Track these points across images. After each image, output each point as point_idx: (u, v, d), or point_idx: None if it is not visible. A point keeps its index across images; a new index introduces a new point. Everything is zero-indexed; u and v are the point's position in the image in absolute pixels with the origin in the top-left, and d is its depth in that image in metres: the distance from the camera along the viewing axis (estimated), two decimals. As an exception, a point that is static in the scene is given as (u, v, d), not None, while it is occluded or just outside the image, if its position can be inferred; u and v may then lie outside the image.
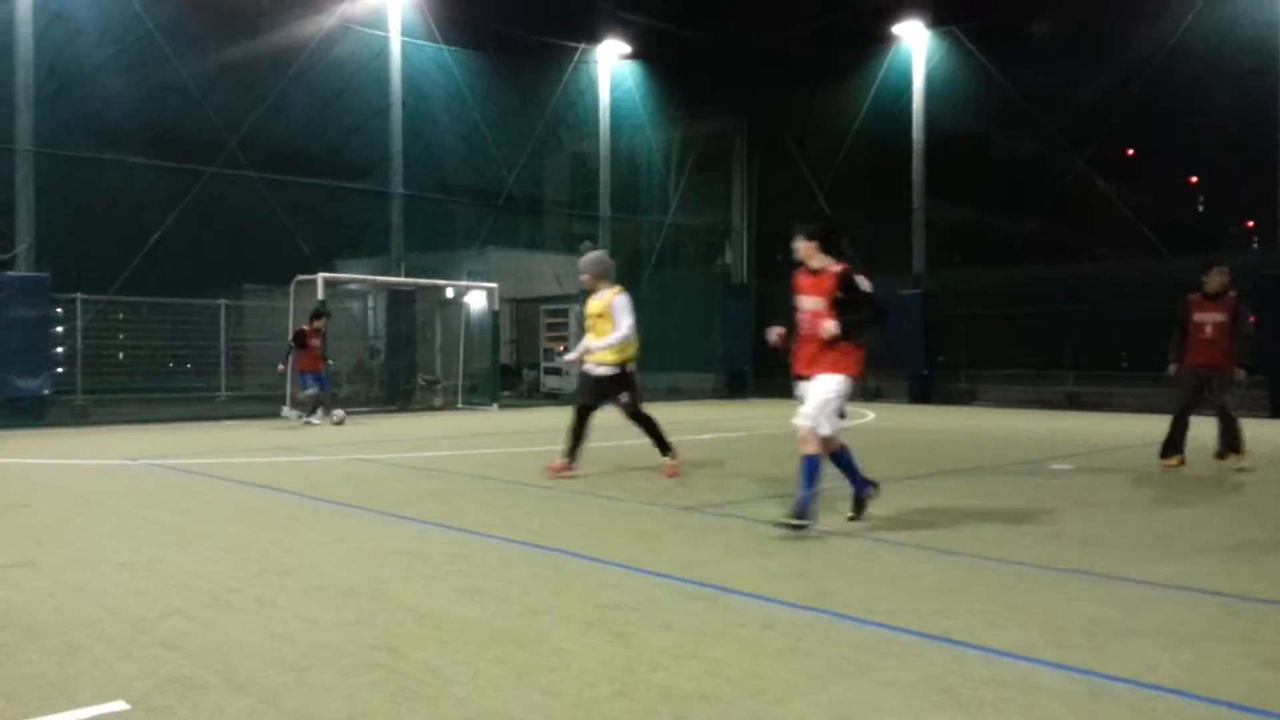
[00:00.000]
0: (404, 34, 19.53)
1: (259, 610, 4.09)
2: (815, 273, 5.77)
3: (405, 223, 19.66)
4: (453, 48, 20.22)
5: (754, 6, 22.35)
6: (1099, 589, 4.53)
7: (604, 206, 23.49)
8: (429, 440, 12.15)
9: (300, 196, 18.45)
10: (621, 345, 8.04)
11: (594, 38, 22.79)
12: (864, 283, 5.67)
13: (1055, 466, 9.42)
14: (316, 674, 3.29)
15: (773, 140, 25.02)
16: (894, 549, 5.43)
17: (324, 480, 8.29)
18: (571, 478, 8.14)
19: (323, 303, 15.82)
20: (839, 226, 5.88)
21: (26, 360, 14.01)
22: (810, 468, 5.63)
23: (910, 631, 3.81)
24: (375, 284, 19.43)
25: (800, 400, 5.78)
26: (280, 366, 14.46)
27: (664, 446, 8.29)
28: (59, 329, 14.96)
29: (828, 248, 5.76)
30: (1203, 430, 9.31)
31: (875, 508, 6.86)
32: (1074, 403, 18.96)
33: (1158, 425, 14.53)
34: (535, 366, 23.28)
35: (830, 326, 5.54)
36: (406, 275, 19.26)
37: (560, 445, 8.44)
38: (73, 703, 3.01)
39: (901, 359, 21.31)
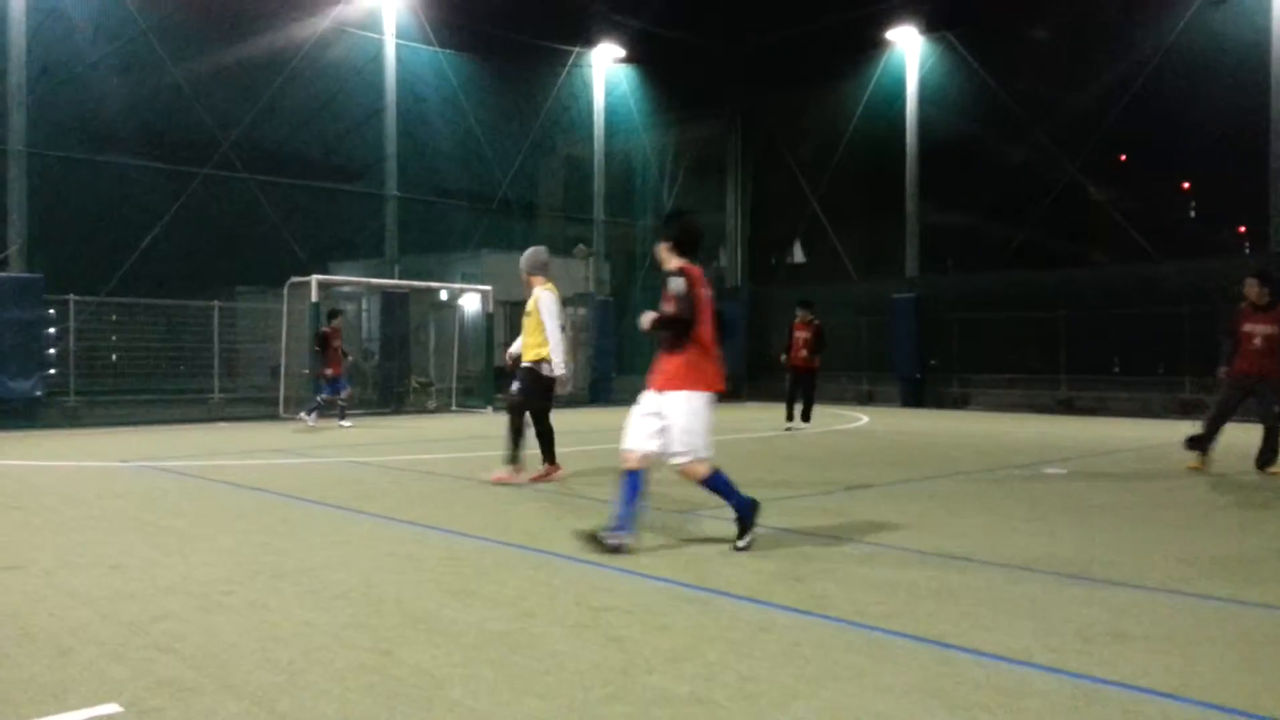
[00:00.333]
0: (399, 37, 19.53)
1: (252, 613, 4.09)
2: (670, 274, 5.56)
3: (399, 225, 19.66)
4: (447, 51, 20.23)
5: (748, 11, 22.41)
6: (1091, 592, 4.54)
7: (598, 210, 23.52)
8: (423, 443, 12.14)
9: (294, 198, 18.43)
10: (541, 343, 7.98)
11: (589, 41, 22.82)
12: (676, 284, 5.29)
13: (1049, 470, 9.45)
14: (309, 677, 3.28)
15: (767, 144, 25.07)
16: (888, 552, 5.44)
17: (318, 483, 8.27)
18: (550, 480, 8.17)
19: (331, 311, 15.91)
20: (690, 226, 5.59)
21: (18, 361, 13.97)
22: (631, 484, 5.29)
23: (904, 635, 3.82)
24: (369, 286, 19.42)
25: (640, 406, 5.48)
26: (329, 370, 14.47)
27: (513, 455, 8.07)
28: (51, 330, 14.91)
29: (682, 249, 5.45)
30: (1227, 439, 9.41)
31: (871, 512, 6.88)
32: (1067, 407, 19.01)
33: (1151, 429, 14.64)
34: (529, 369, 23.24)
35: (644, 320, 5.41)
36: (400, 278, 19.25)
37: (528, 452, 8.37)
38: (64, 706, 3.01)
39: (895, 363, 21.37)
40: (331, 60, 18.84)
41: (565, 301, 23.93)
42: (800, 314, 14.58)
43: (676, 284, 5.24)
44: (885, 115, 22.30)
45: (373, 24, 19.29)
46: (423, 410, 18.60)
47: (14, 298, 13.98)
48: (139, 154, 16.46)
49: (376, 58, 19.35)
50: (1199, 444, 9.31)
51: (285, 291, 16.88)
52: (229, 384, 18.13)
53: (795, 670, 3.40)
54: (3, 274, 14.50)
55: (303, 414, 14.73)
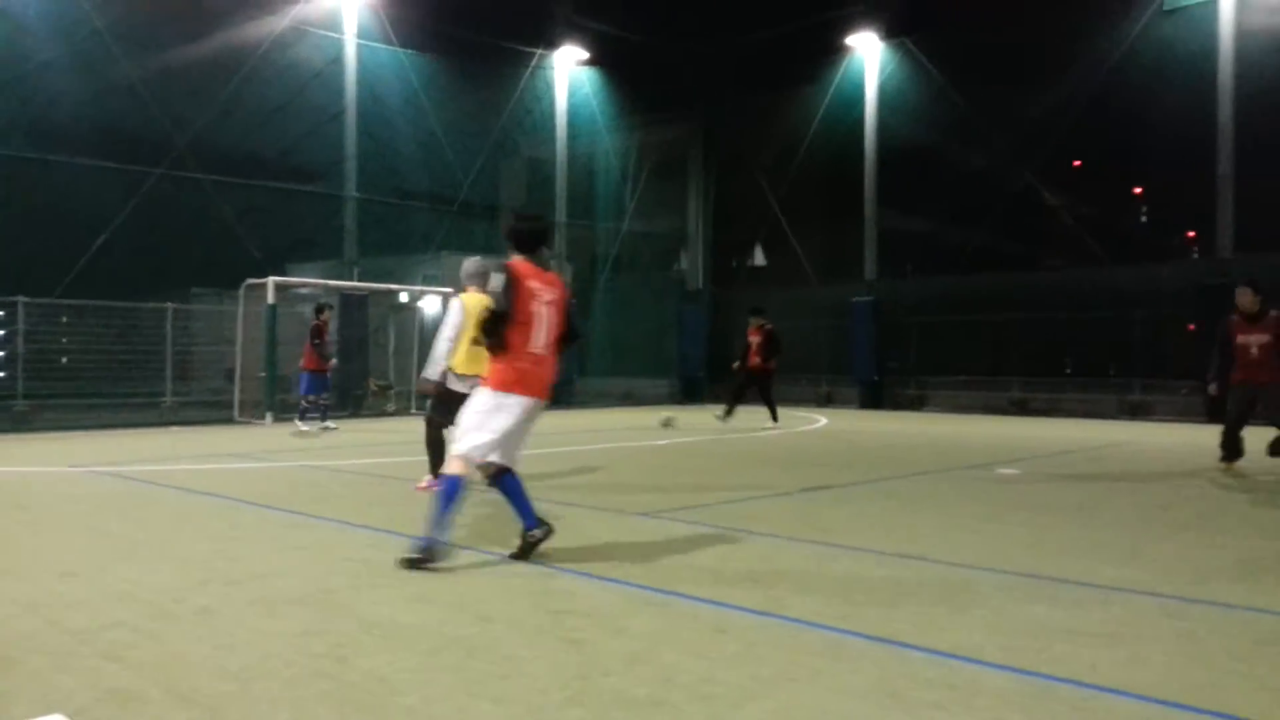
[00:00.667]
0: (359, 36, 19.35)
1: (203, 621, 4.02)
2: None
3: (359, 226, 19.47)
4: (409, 51, 20.08)
5: (710, 15, 22.50)
6: (1044, 591, 4.62)
7: (560, 212, 23.47)
8: (381, 446, 12.03)
9: (251, 199, 18.18)
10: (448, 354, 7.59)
11: (551, 43, 22.78)
12: (496, 280, 5.10)
13: (1002, 471, 9.59)
14: (261, 685, 3.24)
15: (729, 148, 25.20)
16: (846, 553, 5.49)
17: (272, 488, 8.17)
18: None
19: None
20: (521, 223, 5.21)
21: (-36, 365, 13.63)
22: (446, 489, 5.00)
23: (860, 635, 3.85)
24: (327, 288, 19.19)
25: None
26: (332, 362, 14.18)
27: (435, 466, 7.89)
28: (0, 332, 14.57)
29: (518, 245, 5.17)
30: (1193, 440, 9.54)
31: (829, 512, 6.93)
32: (1021, 408, 19.31)
33: (1102, 430, 14.92)
34: (490, 372, 23.14)
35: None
36: (359, 279, 19.06)
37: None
38: (9, 717, 2.94)
39: (853, 365, 21.58)
40: (291, 60, 18.61)
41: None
42: (752, 320, 14.85)
43: (496, 279, 5.06)
44: (845, 120, 22.51)
45: (333, 23, 19.10)
46: (381, 413, 18.43)
47: (-40, 300, 13.64)
48: (92, 154, 16.13)
49: (337, 57, 19.16)
50: (1231, 457, 9.36)
51: (241, 293, 16.65)
52: (183, 387, 17.82)
53: (752, 671, 3.41)
54: (-51, 276, 14.16)
55: (310, 424, 14.14)
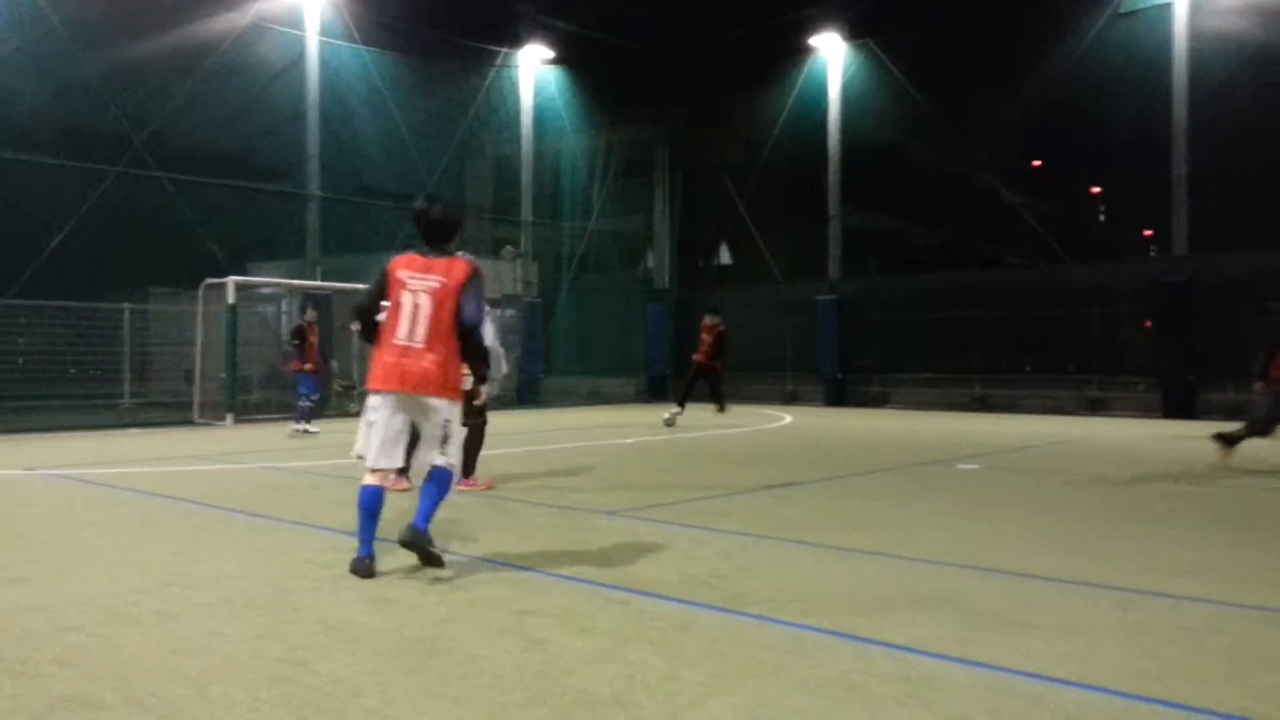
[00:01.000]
0: (322, 34, 19.15)
1: (161, 625, 3.97)
2: None
3: (322, 225, 19.28)
4: (372, 49, 19.91)
5: (675, 15, 22.54)
6: (1001, 584, 4.69)
7: (526, 211, 23.41)
8: (344, 447, 11.90)
9: (211, 198, 17.93)
10: None
11: (516, 42, 22.70)
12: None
13: (963, 467, 9.71)
14: (219, 689, 3.21)
15: (695, 147, 25.27)
16: (809, 549, 5.53)
17: (232, 490, 8.07)
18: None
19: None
20: (420, 212, 4.96)
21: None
22: (359, 501, 4.85)
23: (821, 630, 3.89)
24: (289, 288, 18.99)
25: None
26: (307, 365, 13.83)
27: (469, 467, 7.91)
28: (-48, 334, 14.27)
29: (423, 237, 4.98)
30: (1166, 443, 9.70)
31: (793, 509, 6.98)
32: (982, 405, 19.57)
33: (1061, 426, 15.15)
34: (457, 371, 23.03)
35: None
36: (323, 279, 18.87)
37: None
38: (-43, 725, 2.89)
39: (818, 363, 21.74)
40: (252, 57, 18.38)
41: (493, 303, 23.80)
42: (708, 318, 15.07)
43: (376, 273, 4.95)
44: (809, 120, 22.67)
45: (294, 21, 18.88)
46: (345, 414, 18.26)
47: (-90, 300, 13.34)
48: (47, 152, 15.83)
49: (298, 55, 18.94)
50: (1230, 442, 9.39)
51: (201, 293, 16.42)
52: (141, 389, 17.56)
53: (714, 668, 3.43)
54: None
55: (299, 425, 13.85)
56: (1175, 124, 17.60)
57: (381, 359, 4.78)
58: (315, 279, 18.76)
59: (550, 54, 23.14)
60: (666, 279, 25.81)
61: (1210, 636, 3.82)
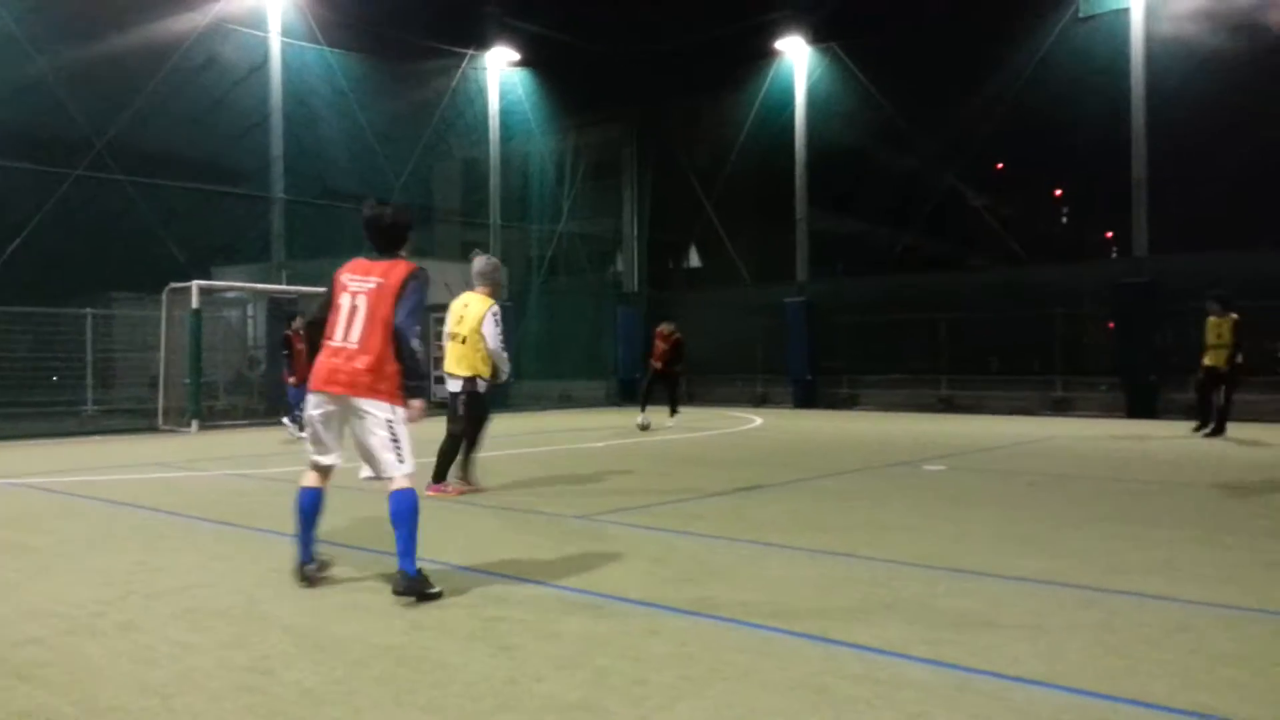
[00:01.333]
0: (284, 35, 18.95)
1: (124, 635, 3.91)
2: None
3: (287, 229, 19.08)
4: (336, 50, 19.75)
5: (641, 18, 22.56)
6: (967, 584, 4.73)
7: (494, 214, 23.32)
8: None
9: (174, 201, 17.68)
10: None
11: (482, 44, 22.61)
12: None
13: (928, 468, 9.79)
14: (184, 700, 3.16)
15: (663, 150, 25.31)
16: (777, 551, 5.55)
17: (198, 497, 7.96)
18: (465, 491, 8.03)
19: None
20: (367, 220, 4.93)
21: None
22: (296, 503, 4.84)
23: (789, 632, 3.91)
24: (255, 292, 18.78)
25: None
26: (291, 379, 13.55)
27: (441, 473, 7.98)
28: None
29: (372, 243, 4.97)
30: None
31: (762, 511, 7.00)
32: (948, 405, 19.75)
33: (1025, 426, 15.33)
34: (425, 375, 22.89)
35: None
36: (288, 283, 18.67)
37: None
38: (-88, 742, 2.83)
39: (787, 365, 21.84)
40: (213, 59, 18.15)
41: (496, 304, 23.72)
42: (663, 327, 15.38)
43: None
44: (775, 123, 22.78)
45: (256, 22, 18.67)
46: (313, 419, 18.07)
47: None
48: (4, 155, 15.54)
49: (261, 56, 18.74)
50: None
51: (164, 298, 16.19)
52: (104, 395, 17.29)
53: (683, 671, 3.44)
54: None
55: (288, 427, 13.60)
56: (1134, 127, 17.87)
57: (317, 359, 4.74)
58: (281, 283, 18.56)
59: (516, 56, 23.08)
60: (636, 282, 25.82)
61: (1173, 634, 3.88)
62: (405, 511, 4.54)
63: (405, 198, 21.63)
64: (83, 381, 16.57)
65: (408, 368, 4.72)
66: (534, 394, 23.08)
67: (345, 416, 4.71)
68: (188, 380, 15.86)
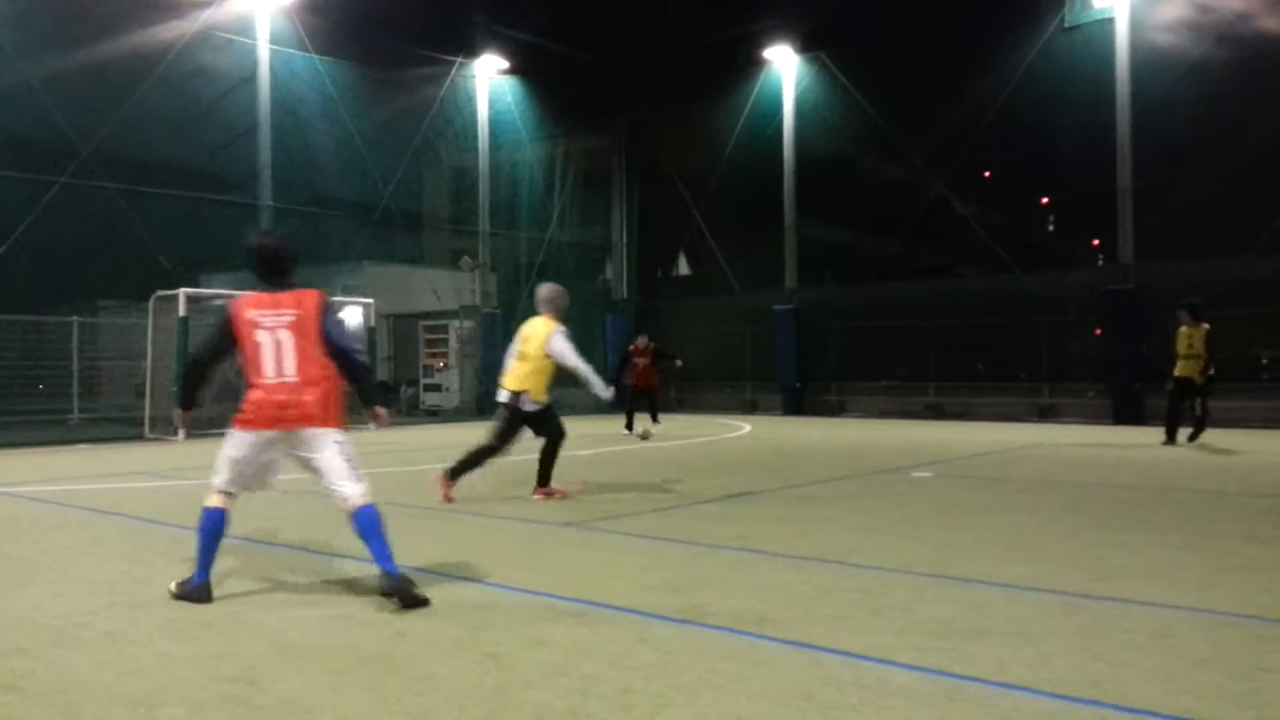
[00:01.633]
0: (273, 42, 18.93)
1: (108, 645, 3.89)
2: None
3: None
4: (325, 58, 19.74)
5: (630, 26, 22.63)
6: (954, 591, 4.75)
7: (483, 222, 23.31)
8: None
9: (161, 209, 17.61)
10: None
11: (471, 52, 22.63)
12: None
13: (916, 474, 9.83)
14: (168, 710, 3.15)
15: (651, 158, 25.37)
16: (765, 559, 5.56)
17: (183, 507, 7.91)
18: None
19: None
20: (254, 255, 4.98)
21: None
22: (201, 524, 4.74)
23: (777, 639, 3.91)
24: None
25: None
26: None
27: (544, 476, 8.12)
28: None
29: (259, 276, 4.97)
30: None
31: (750, 519, 7.01)
32: (936, 412, 19.82)
33: (1013, 433, 15.40)
34: (414, 383, 22.86)
35: None
36: (276, 291, 18.60)
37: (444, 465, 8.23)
38: (-107, 754, 2.81)
39: (776, 372, 21.89)
40: (201, 66, 18.10)
41: (449, 314, 23.68)
42: (639, 340, 15.68)
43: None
44: (764, 132, 22.86)
45: (245, 29, 18.64)
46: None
47: None
48: (-12, 162, 15.48)
49: (249, 63, 18.71)
50: None
51: (151, 306, 16.12)
52: (90, 404, 17.19)
53: (671, 680, 3.44)
54: None
55: None
56: (1119, 135, 18.01)
57: (251, 398, 4.66)
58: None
59: (505, 64, 23.11)
60: (625, 290, 25.85)
61: (1156, 639, 3.91)
62: (370, 525, 4.61)
63: (393, 205, 21.63)
64: (69, 390, 16.47)
65: (363, 380, 4.83)
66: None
67: (286, 450, 4.72)
68: (174, 389, 15.80)
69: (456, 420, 20.69)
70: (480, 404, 21.92)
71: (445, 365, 22.17)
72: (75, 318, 16.41)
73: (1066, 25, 18.80)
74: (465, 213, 23.69)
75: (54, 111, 16.09)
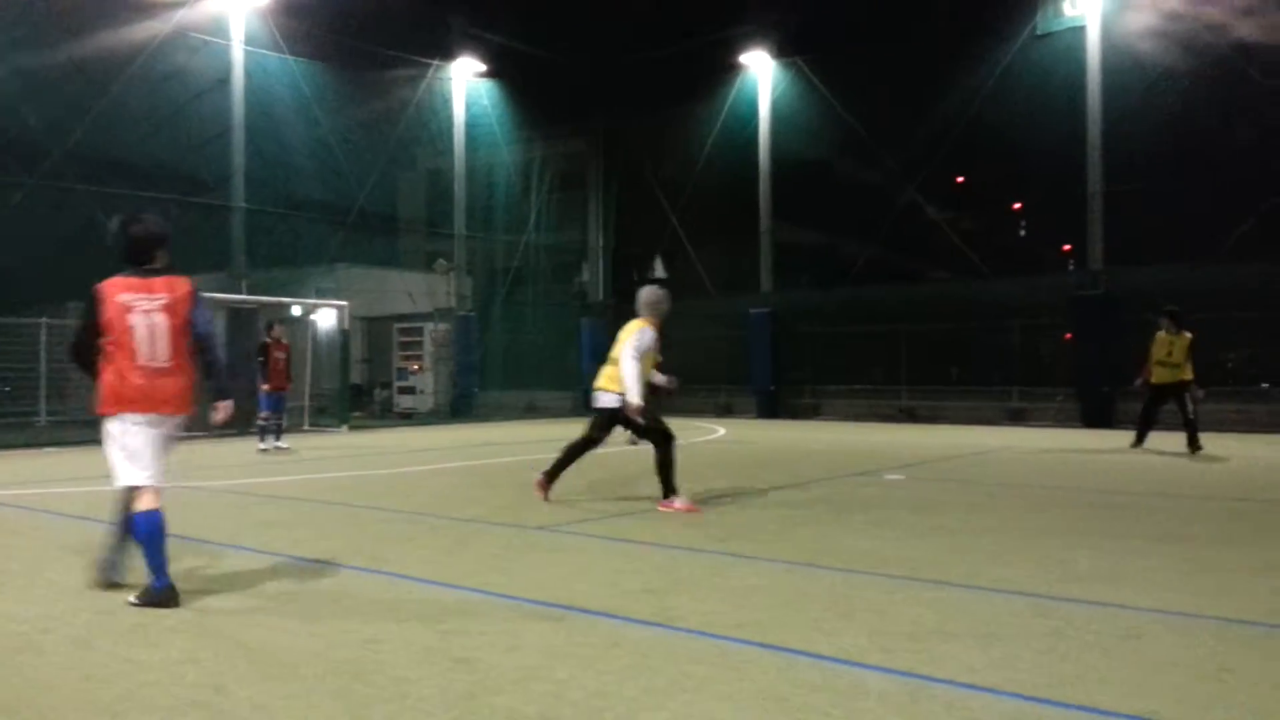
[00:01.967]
0: (248, 44, 18.77)
1: (74, 652, 3.84)
2: None
3: (248, 238, 18.85)
4: (300, 59, 19.60)
5: (607, 30, 22.66)
6: (924, 593, 4.79)
7: (459, 224, 23.23)
8: (271, 465, 11.68)
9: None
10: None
11: (448, 54, 22.57)
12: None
13: (889, 477, 9.89)
14: (133, 717, 3.12)
15: (628, 162, 25.38)
16: (739, 562, 5.57)
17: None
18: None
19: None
20: (123, 238, 4.87)
21: None
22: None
23: (749, 642, 3.93)
24: (214, 301, 18.52)
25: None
26: (264, 386, 13.27)
27: (668, 486, 7.70)
28: None
29: (126, 259, 4.86)
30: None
31: (725, 522, 7.03)
32: (908, 415, 19.95)
33: (984, 436, 15.53)
34: (388, 386, 22.74)
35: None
36: (249, 292, 18.46)
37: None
38: None
39: (751, 375, 21.95)
40: (175, 67, 17.93)
41: (424, 316, 23.54)
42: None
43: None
44: (740, 136, 22.96)
45: (219, 30, 18.48)
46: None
47: None
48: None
49: (223, 65, 18.55)
50: None
51: (121, 308, 15.90)
52: (58, 406, 16.96)
53: (643, 683, 3.44)
54: None
55: (268, 442, 13.35)
56: (1090, 142, 18.23)
57: (129, 381, 4.61)
58: (241, 293, 18.36)
59: (482, 67, 23.06)
60: (602, 292, 25.84)
61: (1122, 641, 3.95)
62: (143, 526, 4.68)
63: (368, 207, 21.52)
64: (36, 392, 16.25)
65: (216, 373, 4.91)
66: (499, 404, 23.00)
67: (160, 431, 4.77)
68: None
69: (431, 423, 20.60)
70: (454, 406, 21.85)
71: (420, 368, 22.08)
72: (44, 319, 16.19)
73: (1039, 33, 19.02)
74: (441, 215, 23.62)
75: (24, 112, 15.89)
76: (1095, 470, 10.56)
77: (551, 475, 7.95)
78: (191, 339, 4.77)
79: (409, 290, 23.07)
